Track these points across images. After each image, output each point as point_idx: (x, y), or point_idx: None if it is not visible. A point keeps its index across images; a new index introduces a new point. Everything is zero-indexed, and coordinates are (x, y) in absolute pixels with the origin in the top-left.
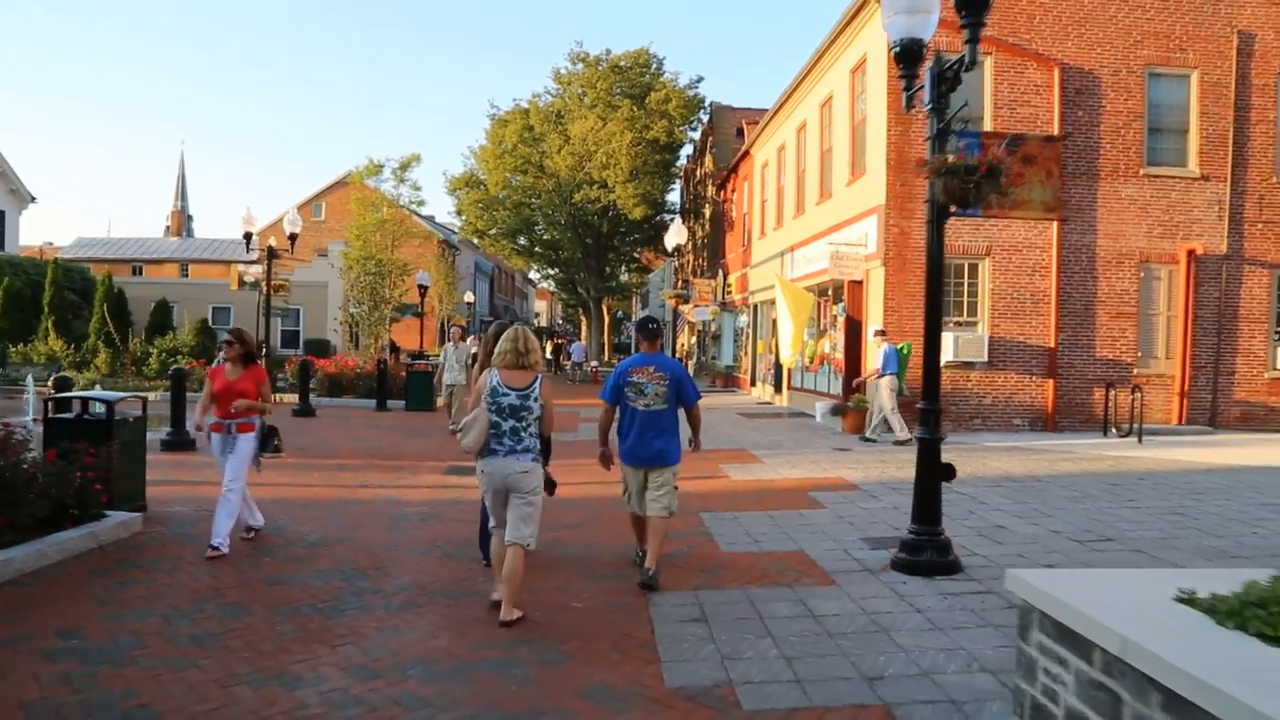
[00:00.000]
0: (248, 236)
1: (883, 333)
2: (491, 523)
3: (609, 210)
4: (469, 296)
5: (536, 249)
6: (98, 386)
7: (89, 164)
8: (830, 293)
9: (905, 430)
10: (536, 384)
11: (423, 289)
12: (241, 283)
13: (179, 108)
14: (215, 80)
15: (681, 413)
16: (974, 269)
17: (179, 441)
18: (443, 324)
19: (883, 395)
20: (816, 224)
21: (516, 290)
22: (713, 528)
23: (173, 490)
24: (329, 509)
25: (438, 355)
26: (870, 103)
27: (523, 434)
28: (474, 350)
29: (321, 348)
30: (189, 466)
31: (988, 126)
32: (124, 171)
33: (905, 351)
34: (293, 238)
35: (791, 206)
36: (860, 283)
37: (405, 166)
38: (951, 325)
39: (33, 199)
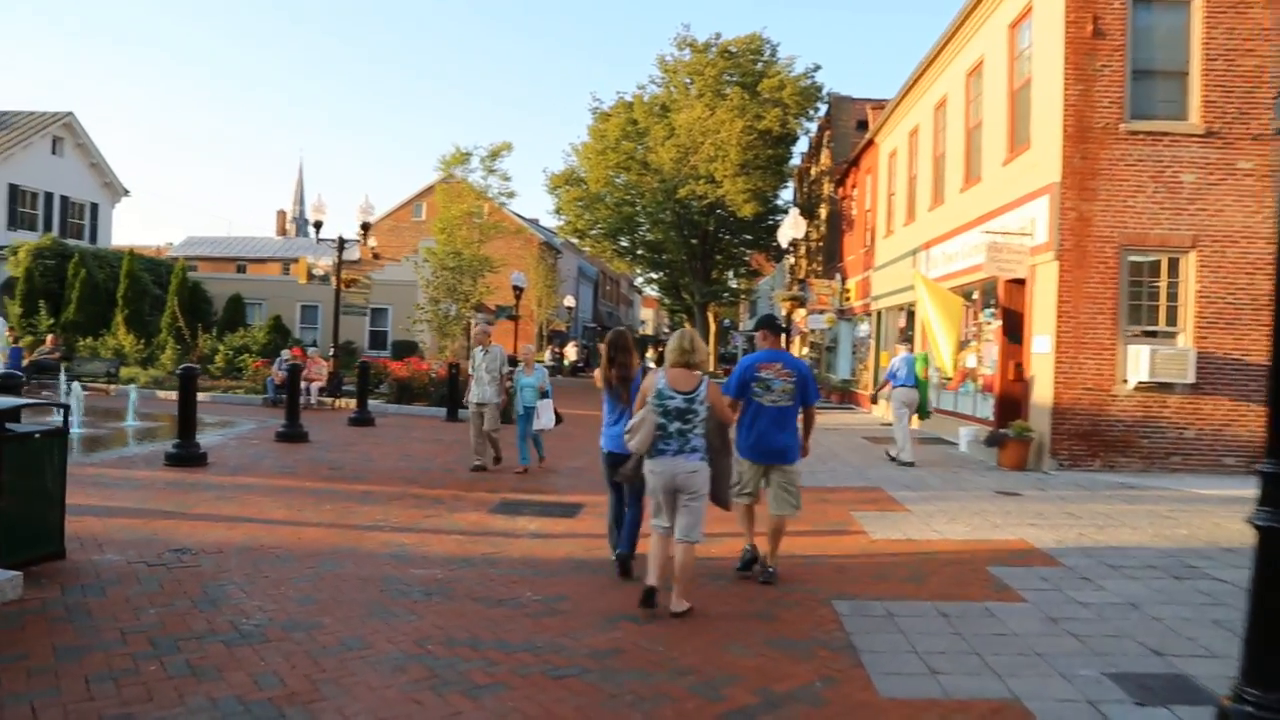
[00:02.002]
0: (318, 225)
1: (908, 339)
2: (655, 520)
3: (716, 207)
4: (569, 301)
5: (639, 250)
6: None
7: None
8: (977, 295)
9: (909, 452)
10: (702, 386)
11: (518, 290)
12: (311, 275)
13: (299, 113)
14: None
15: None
16: (1174, 265)
17: (188, 456)
18: (541, 328)
19: (892, 407)
20: (960, 215)
21: (622, 297)
22: (856, 634)
23: (137, 524)
24: (308, 566)
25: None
26: (1037, 60)
27: (689, 435)
28: (509, 355)
29: (409, 349)
30: (183, 489)
31: (1196, 82)
32: (251, 178)
33: (922, 363)
34: (365, 226)
35: (926, 197)
36: (1022, 281)
37: (495, 155)
38: (1140, 336)
39: (126, 193)
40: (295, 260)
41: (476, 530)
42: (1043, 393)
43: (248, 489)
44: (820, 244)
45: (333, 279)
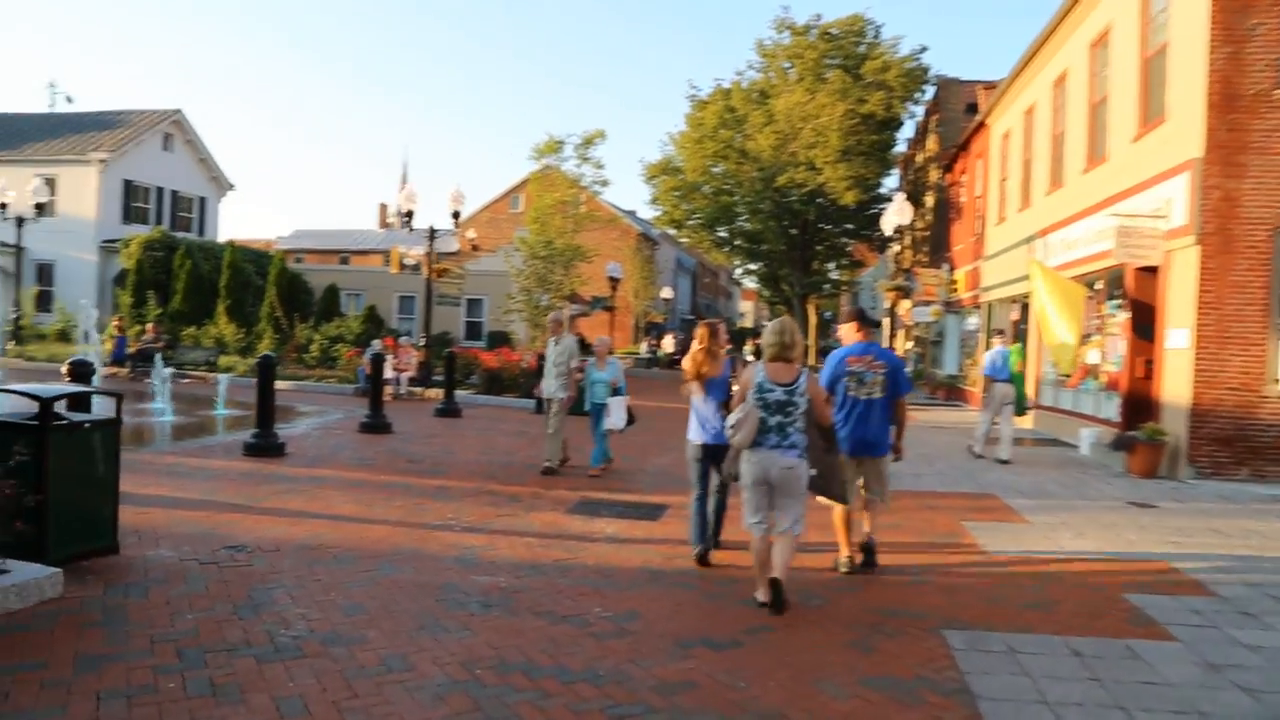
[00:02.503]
0: (409, 215)
1: (1001, 332)
2: (752, 520)
3: (816, 195)
4: (667, 292)
5: (737, 240)
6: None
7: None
8: (1101, 285)
9: (1007, 450)
10: (802, 379)
11: (614, 281)
12: (402, 265)
13: (403, 108)
14: (433, 86)
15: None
16: None
17: (265, 446)
18: (637, 320)
19: (987, 403)
20: (1082, 198)
21: (720, 289)
22: (972, 675)
23: (200, 518)
24: (365, 569)
25: (624, 354)
26: (1175, 22)
27: (789, 429)
28: (576, 346)
29: (503, 340)
30: (256, 480)
31: None
32: (358, 172)
33: (1017, 356)
34: (456, 215)
35: (1043, 180)
36: (1154, 269)
37: (588, 143)
38: None
39: (231, 187)
40: (421, 254)
41: (550, 532)
42: (1178, 392)
43: (320, 482)
44: (926, 233)
45: (424, 269)
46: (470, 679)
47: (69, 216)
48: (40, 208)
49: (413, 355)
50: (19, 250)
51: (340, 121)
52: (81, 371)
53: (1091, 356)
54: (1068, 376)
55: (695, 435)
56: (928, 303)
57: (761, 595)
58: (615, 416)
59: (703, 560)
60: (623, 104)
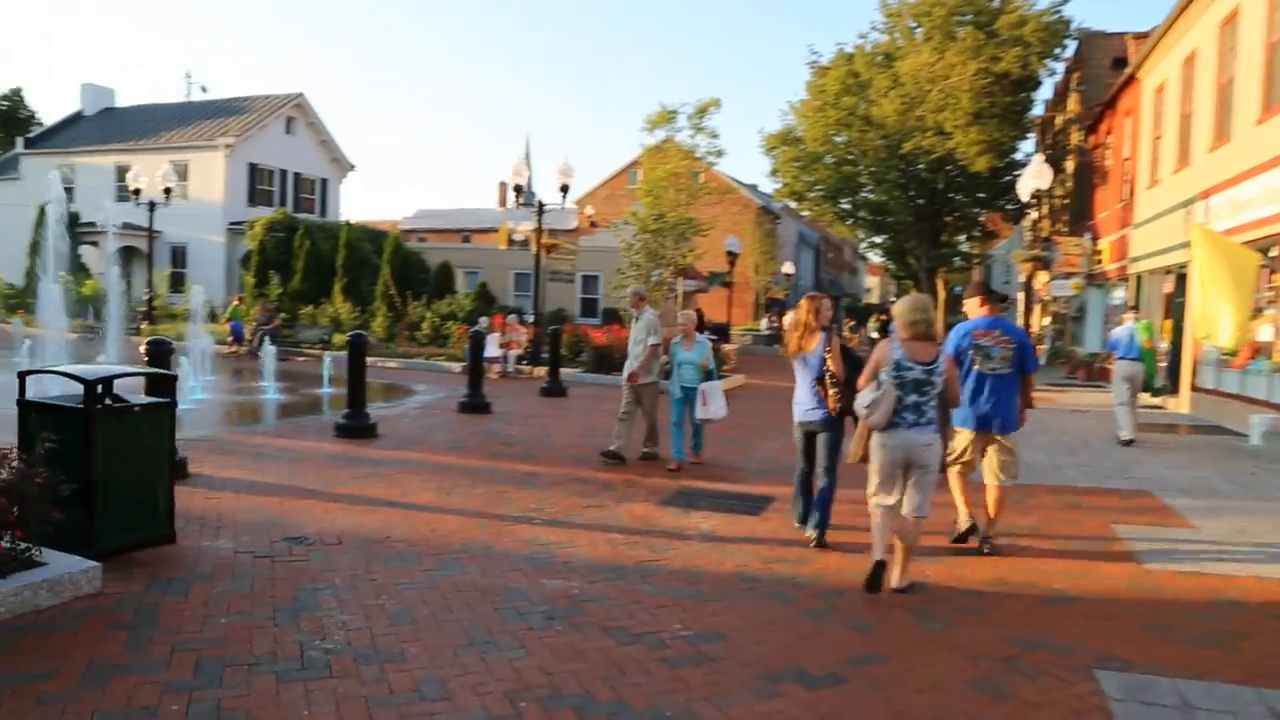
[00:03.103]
0: (518, 189)
1: (1135, 308)
2: (879, 498)
3: (945, 163)
4: (788, 268)
5: (861, 213)
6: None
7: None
8: (1277, 252)
9: (1131, 429)
10: (941, 358)
11: (732, 256)
12: (511, 241)
13: (524, 89)
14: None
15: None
16: None
17: (356, 427)
18: (758, 296)
19: (1116, 384)
20: (1255, 152)
21: (845, 264)
22: None
23: (271, 504)
24: (426, 567)
25: (744, 330)
26: None
27: (924, 408)
28: (656, 322)
29: (617, 317)
30: (339, 463)
31: None
32: (482, 151)
33: (1145, 332)
34: (564, 189)
35: (1205, 136)
36: None
37: (702, 112)
38: None
39: (352, 167)
40: (538, 231)
41: (639, 527)
42: None
43: (405, 466)
44: (1066, 201)
45: (533, 244)
46: (511, 714)
47: (200, 200)
48: (168, 192)
49: (521, 332)
50: (151, 234)
51: (464, 102)
52: (158, 351)
53: (1263, 333)
54: (1232, 355)
55: (795, 411)
56: (1068, 275)
57: (878, 555)
58: (715, 404)
59: (820, 542)
60: (744, 76)
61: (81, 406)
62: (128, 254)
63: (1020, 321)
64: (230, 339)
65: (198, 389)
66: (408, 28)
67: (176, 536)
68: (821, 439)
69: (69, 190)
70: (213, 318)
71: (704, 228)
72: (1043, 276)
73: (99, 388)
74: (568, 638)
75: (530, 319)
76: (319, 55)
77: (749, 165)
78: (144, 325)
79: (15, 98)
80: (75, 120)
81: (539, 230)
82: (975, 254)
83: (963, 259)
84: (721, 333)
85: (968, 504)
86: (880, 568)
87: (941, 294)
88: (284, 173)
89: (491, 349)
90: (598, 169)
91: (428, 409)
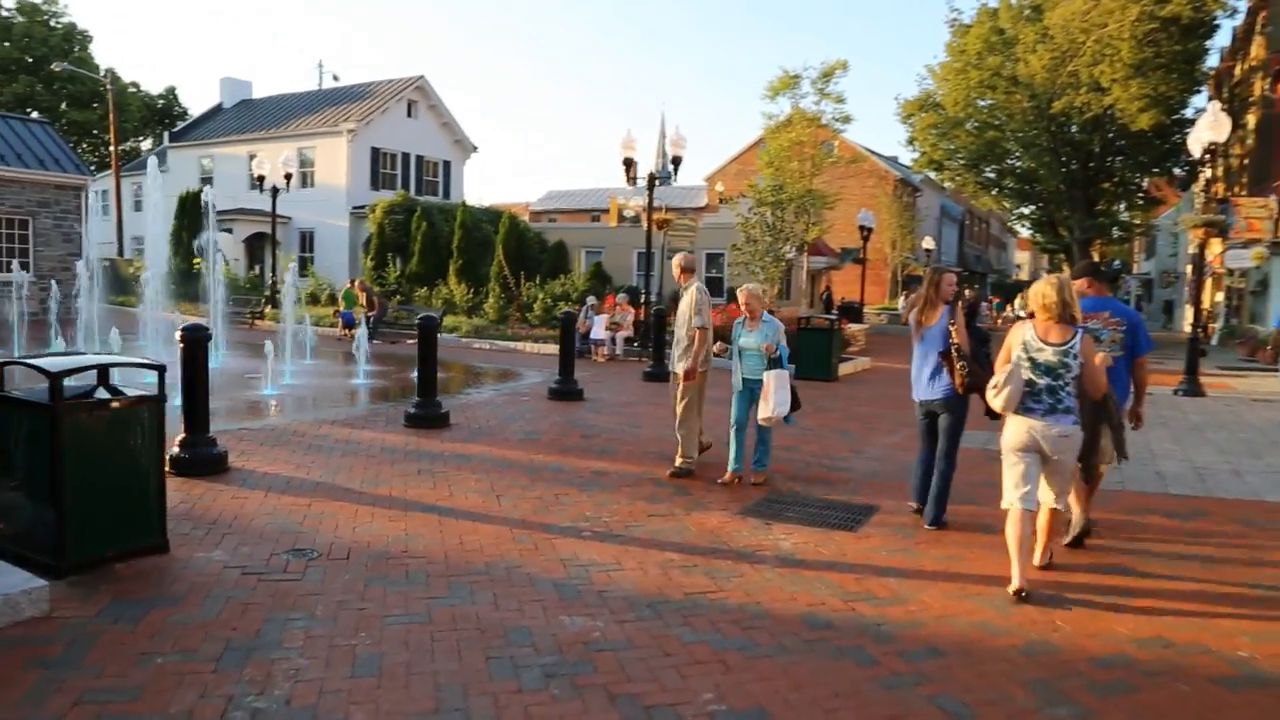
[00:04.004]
0: (628, 164)
1: None
2: (1015, 494)
3: (1102, 122)
4: (928, 243)
5: (1006, 181)
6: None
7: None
8: None
9: None
10: (1076, 339)
11: (865, 231)
12: (621, 217)
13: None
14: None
15: None
16: None
17: (426, 417)
18: (895, 273)
19: None
20: None
21: (992, 239)
22: None
23: (296, 507)
24: (430, 594)
25: (879, 309)
26: None
27: (1060, 393)
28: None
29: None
30: (393, 458)
31: None
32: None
33: None
34: (676, 161)
35: None
36: None
37: (827, 76)
38: None
39: (474, 149)
40: (658, 209)
41: (704, 544)
42: None
43: (464, 461)
44: (1245, 161)
45: (644, 220)
46: None
47: (325, 186)
48: (289, 178)
49: (628, 313)
50: (274, 219)
51: (597, 82)
52: (194, 338)
53: None
54: None
55: (914, 391)
56: (1249, 243)
57: (1018, 582)
58: (775, 399)
59: (937, 523)
60: (880, 43)
61: (46, 402)
62: (259, 240)
63: (1190, 297)
64: (341, 325)
65: (287, 374)
66: (540, 8)
67: (170, 545)
68: (943, 419)
69: (208, 180)
70: (333, 301)
71: (831, 200)
72: (1216, 245)
73: (64, 380)
74: (559, 707)
75: (641, 300)
76: (453, 40)
77: (886, 136)
78: (268, 309)
79: (170, 96)
80: (215, 113)
81: (650, 206)
82: (1136, 224)
83: (1121, 230)
84: (851, 312)
85: (1083, 501)
86: (1021, 595)
87: None
88: (406, 156)
89: (598, 331)
90: (729, 145)
91: (517, 395)
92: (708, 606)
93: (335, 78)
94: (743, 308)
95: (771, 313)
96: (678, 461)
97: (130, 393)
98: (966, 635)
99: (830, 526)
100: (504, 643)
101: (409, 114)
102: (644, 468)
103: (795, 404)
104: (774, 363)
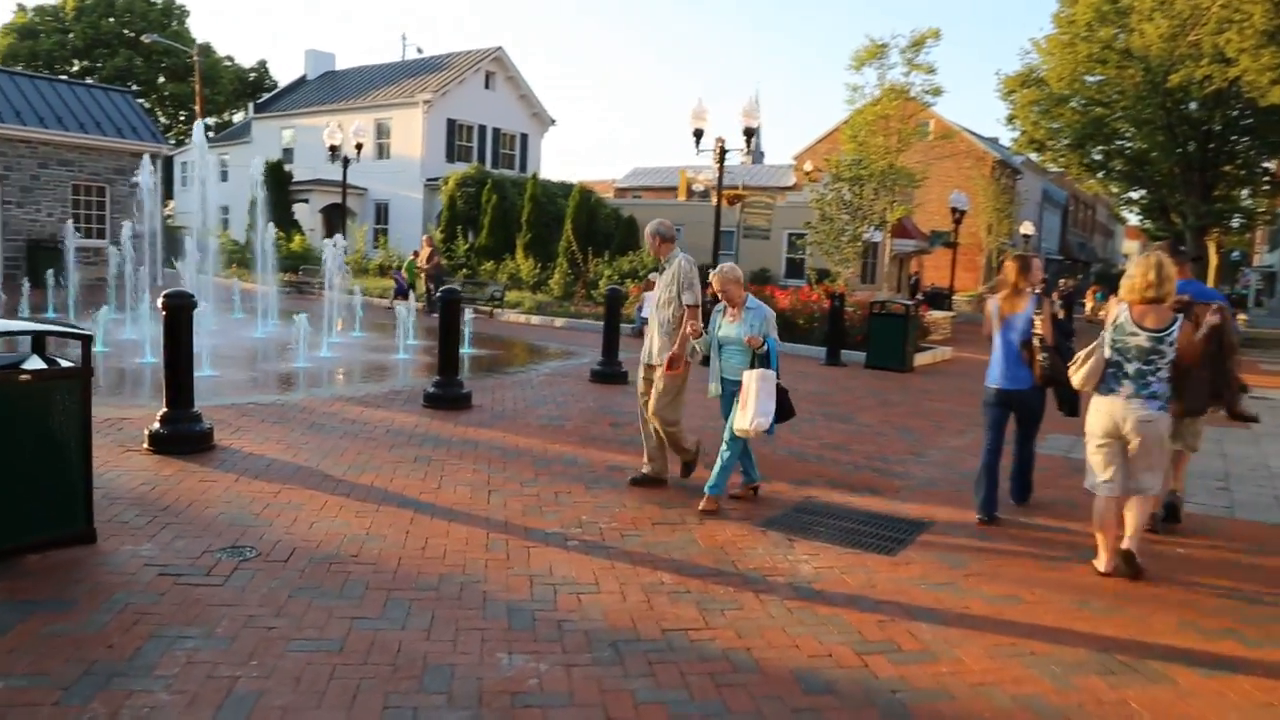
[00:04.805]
0: (698, 134)
1: None
2: (1098, 478)
3: (1225, 97)
4: (1027, 228)
5: (1114, 163)
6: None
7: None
8: None
9: None
10: (1175, 325)
11: (957, 214)
12: (690, 191)
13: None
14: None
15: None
16: None
17: (445, 397)
18: (989, 259)
19: None
20: None
21: (1098, 225)
22: None
23: (260, 495)
24: (363, 611)
25: (970, 296)
26: None
27: (1150, 379)
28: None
29: (827, 277)
30: (392, 441)
31: None
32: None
33: None
34: (749, 132)
35: None
36: None
37: (917, 45)
38: None
39: (553, 122)
40: (734, 188)
41: (707, 564)
42: None
43: (471, 448)
44: None
45: (713, 196)
46: None
47: (400, 157)
48: (359, 148)
49: None
50: (345, 189)
51: (689, 57)
52: (177, 305)
53: None
54: None
55: (990, 379)
56: None
57: (1103, 565)
58: (753, 408)
59: (1022, 499)
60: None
61: None
62: (336, 210)
63: None
64: (394, 293)
65: (325, 346)
66: None
67: (98, 535)
68: (1018, 411)
69: (289, 151)
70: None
71: (918, 178)
72: None
73: None
74: None
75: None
76: (542, 14)
77: (985, 116)
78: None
79: (261, 69)
80: (299, 84)
81: (720, 180)
82: (1260, 211)
83: (1243, 217)
84: (937, 299)
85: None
86: (1129, 556)
87: (1213, 259)
88: (482, 128)
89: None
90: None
91: (557, 376)
92: (685, 650)
93: (419, 50)
94: (718, 293)
95: (767, 298)
96: (645, 468)
97: (50, 367)
98: (1007, 718)
99: (865, 547)
100: (414, 686)
101: (486, 85)
102: (675, 468)
103: (785, 412)
104: (760, 360)
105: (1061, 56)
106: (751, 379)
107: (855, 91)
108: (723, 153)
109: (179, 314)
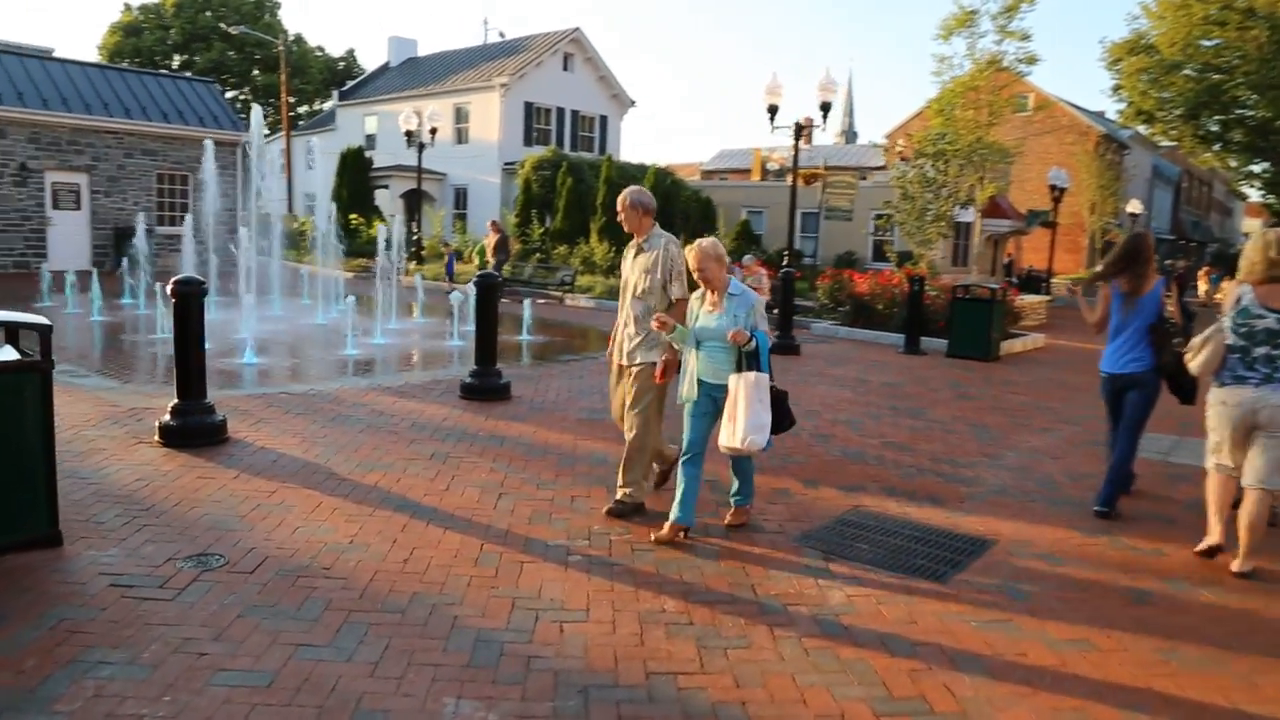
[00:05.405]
0: (773, 111)
1: None
2: (1220, 458)
3: None
4: (1134, 206)
5: (1233, 135)
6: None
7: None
8: None
9: None
10: None
11: (1057, 191)
12: (764, 170)
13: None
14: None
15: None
16: None
17: (482, 388)
18: (1092, 239)
19: None
20: None
21: (1214, 204)
22: None
23: (254, 495)
24: (318, 636)
25: (1073, 279)
26: None
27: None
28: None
29: (908, 259)
30: (412, 435)
31: None
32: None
33: None
34: (825, 107)
35: None
36: None
37: (1010, 10)
38: None
39: (632, 103)
40: (813, 168)
41: (721, 588)
42: None
43: (495, 444)
44: None
45: (789, 176)
46: None
47: (478, 142)
48: (434, 133)
49: (760, 275)
50: (420, 174)
51: (778, 40)
52: (186, 292)
53: None
54: None
55: (1105, 363)
56: None
57: (1214, 538)
58: (744, 420)
59: (1107, 511)
60: None
61: None
62: (417, 196)
63: None
64: (446, 276)
65: (379, 333)
66: None
67: (62, 539)
68: (1133, 395)
69: (371, 137)
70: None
71: (1011, 153)
72: None
73: None
74: None
75: (784, 262)
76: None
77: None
78: (411, 265)
79: (349, 58)
80: (382, 71)
81: (795, 160)
82: None
83: None
84: (1031, 283)
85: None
86: (1214, 552)
87: None
88: (560, 111)
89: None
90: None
91: (604, 367)
92: (667, 701)
93: (501, 35)
94: (694, 273)
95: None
96: (619, 493)
97: (12, 357)
98: None
99: (912, 570)
100: None
101: (565, 67)
102: (710, 466)
103: (784, 422)
104: (748, 359)
105: (1174, 19)
106: (742, 386)
107: (943, 63)
108: (799, 130)
109: (188, 301)
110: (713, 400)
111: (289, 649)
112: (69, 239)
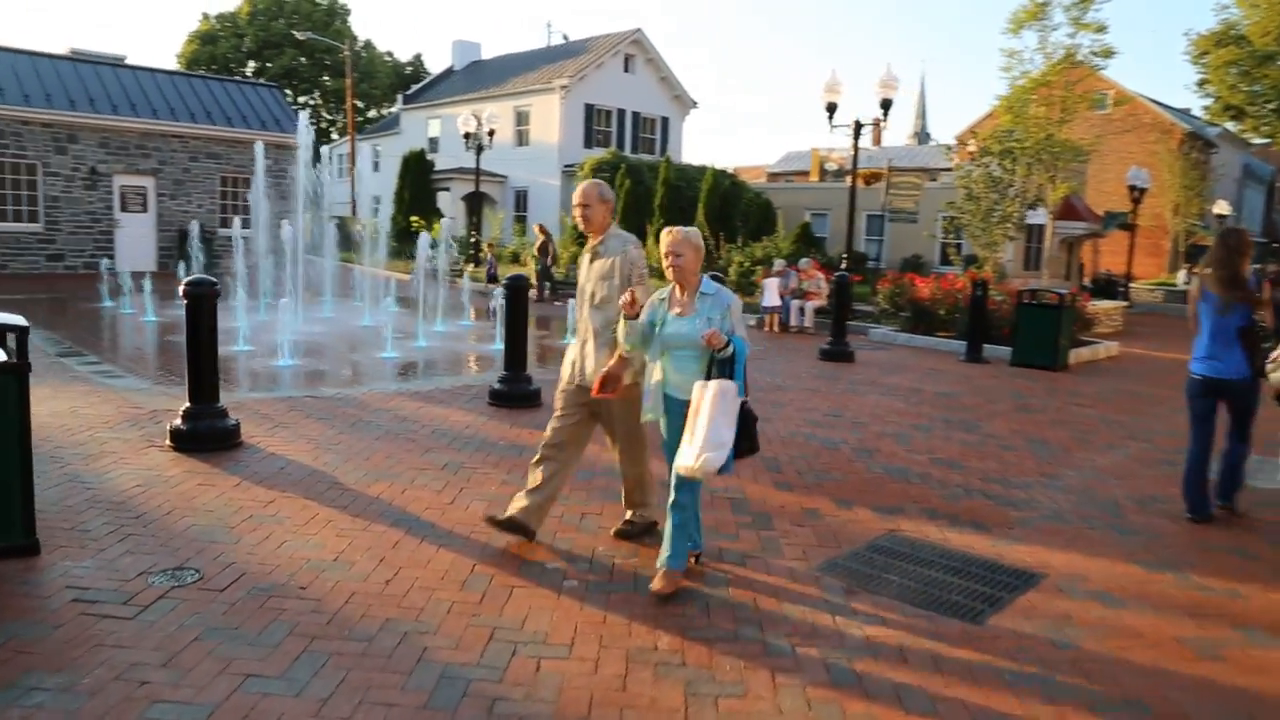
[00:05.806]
0: (831, 108)
1: None
2: None
3: None
4: (1221, 207)
5: None
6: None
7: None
8: None
9: None
10: None
11: (1136, 192)
12: (823, 171)
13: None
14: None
15: None
16: None
17: (511, 394)
18: (1176, 241)
19: None
20: None
21: None
22: None
23: (247, 504)
24: (274, 667)
25: (1153, 285)
26: None
27: None
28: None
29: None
30: (431, 443)
31: None
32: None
33: None
34: (886, 104)
35: None
36: None
37: (1085, 1)
38: None
39: (694, 104)
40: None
41: (724, 624)
42: None
43: (514, 454)
44: None
45: (849, 177)
46: None
47: (539, 144)
48: (492, 134)
49: (820, 279)
50: (478, 176)
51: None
52: (198, 294)
53: None
54: None
55: (1195, 366)
56: None
57: None
58: (702, 435)
59: (1228, 505)
60: None
61: None
62: (477, 199)
63: None
64: (486, 278)
65: (421, 336)
66: None
67: (40, 547)
68: (1231, 402)
69: (434, 141)
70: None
71: (1087, 150)
72: None
73: None
74: None
75: (842, 264)
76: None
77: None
78: (469, 268)
79: (416, 63)
80: (446, 75)
81: (854, 160)
82: None
83: None
84: (1107, 287)
85: None
86: None
87: None
88: (621, 113)
89: (770, 297)
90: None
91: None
92: None
93: (564, 37)
94: (665, 258)
95: (719, 280)
96: (629, 514)
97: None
98: None
99: (944, 608)
100: None
101: (625, 69)
102: (737, 481)
103: (747, 445)
104: (719, 366)
105: (1269, 8)
106: (708, 396)
107: (1012, 58)
108: (858, 128)
109: (199, 303)
110: (673, 415)
111: (237, 679)
112: (137, 241)
